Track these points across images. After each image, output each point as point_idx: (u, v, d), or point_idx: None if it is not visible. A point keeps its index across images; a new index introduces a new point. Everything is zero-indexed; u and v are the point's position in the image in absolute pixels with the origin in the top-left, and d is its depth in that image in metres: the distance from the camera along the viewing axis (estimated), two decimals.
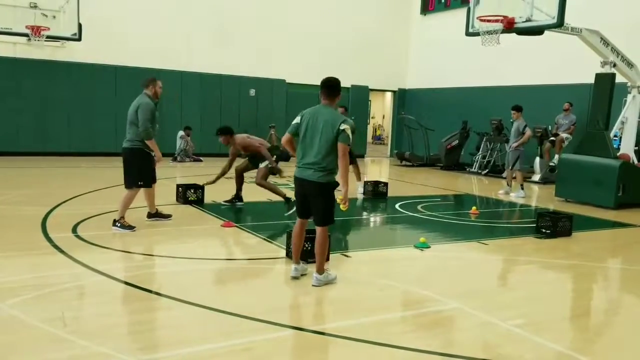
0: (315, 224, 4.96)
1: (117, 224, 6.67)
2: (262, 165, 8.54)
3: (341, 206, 4.89)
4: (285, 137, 5.09)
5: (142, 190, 6.93)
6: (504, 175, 14.11)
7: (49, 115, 14.72)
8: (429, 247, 6.49)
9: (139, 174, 6.76)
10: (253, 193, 9.35)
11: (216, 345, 3.67)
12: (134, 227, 6.70)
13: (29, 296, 4.39)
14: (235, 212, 8.38)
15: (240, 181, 8.85)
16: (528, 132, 11.03)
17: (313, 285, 4.89)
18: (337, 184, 4.92)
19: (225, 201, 8.84)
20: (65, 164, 13.36)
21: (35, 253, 5.69)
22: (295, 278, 5.08)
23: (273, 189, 8.61)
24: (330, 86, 4.88)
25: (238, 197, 8.87)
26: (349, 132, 4.71)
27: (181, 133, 15.45)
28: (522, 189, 11.10)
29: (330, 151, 4.77)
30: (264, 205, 9.08)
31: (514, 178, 11.31)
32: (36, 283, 4.75)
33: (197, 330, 3.94)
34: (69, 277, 4.97)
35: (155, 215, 7.33)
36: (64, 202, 8.34)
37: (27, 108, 14.43)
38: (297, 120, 4.96)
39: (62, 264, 5.30)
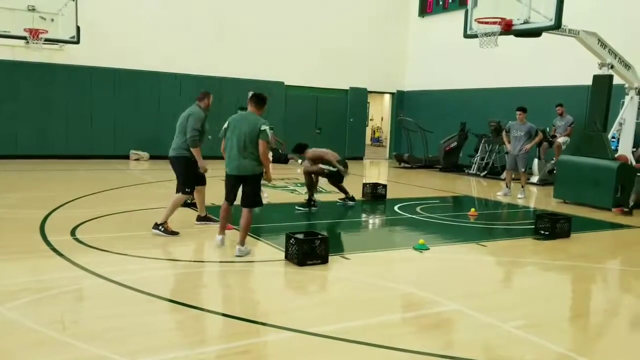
0: (243, 206, 6.00)
1: (160, 227, 6.69)
2: (322, 165, 8.92)
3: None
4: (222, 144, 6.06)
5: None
6: (503, 176, 14.16)
7: (47, 118, 14.71)
8: (428, 249, 6.49)
9: (185, 181, 6.91)
10: None
11: (214, 348, 3.67)
12: (178, 233, 6.73)
13: (28, 299, 4.39)
14: (234, 214, 8.35)
15: (310, 183, 8.96)
16: (540, 134, 11.08)
17: (236, 256, 5.78)
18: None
19: (299, 206, 8.96)
20: (64, 166, 13.35)
21: (34, 256, 5.68)
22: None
23: (310, 185, 8.96)
24: (261, 99, 5.97)
25: (311, 200, 8.94)
26: (268, 131, 5.79)
27: None
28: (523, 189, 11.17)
29: (254, 148, 5.77)
30: (263, 207, 9.06)
31: (515, 179, 11.27)
32: (35, 286, 4.74)
33: (196, 333, 3.94)
34: (68, 280, 4.96)
35: (204, 219, 7.41)
36: (63, 205, 8.33)
37: (26, 111, 14.43)
38: (225, 126, 6.02)
39: (61, 267, 5.30)
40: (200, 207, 7.46)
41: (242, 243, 5.91)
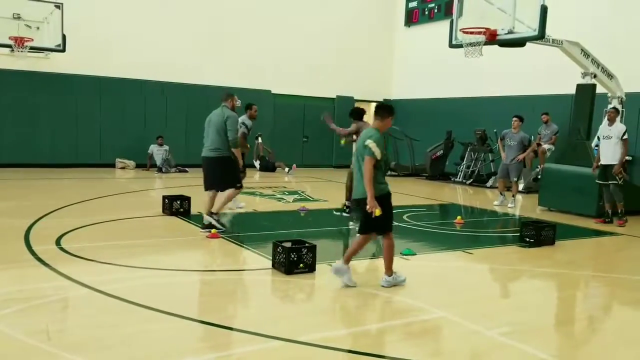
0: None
1: (214, 216, 7.17)
2: None
3: None
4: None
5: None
6: (489, 185, 14.27)
7: (32, 127, 14.59)
8: (415, 254, 6.52)
9: (234, 177, 7.41)
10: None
11: (203, 358, 3.65)
12: (226, 227, 7.29)
13: (12, 309, 4.34)
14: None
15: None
16: (534, 144, 11.14)
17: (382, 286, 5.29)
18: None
19: (338, 210, 9.14)
20: (49, 175, 13.24)
21: (18, 266, 5.62)
22: None
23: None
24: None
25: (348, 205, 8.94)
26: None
27: (156, 146, 15.33)
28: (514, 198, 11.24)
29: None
30: (249, 215, 9.07)
31: (508, 188, 11.31)
32: (20, 296, 4.69)
33: (184, 343, 3.92)
34: (52, 290, 4.92)
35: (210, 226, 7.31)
36: (48, 214, 8.26)
37: (10, 119, 14.31)
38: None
39: (45, 277, 5.25)
40: (211, 206, 7.40)
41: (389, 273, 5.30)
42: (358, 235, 5.33)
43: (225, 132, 7.21)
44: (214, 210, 7.31)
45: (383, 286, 5.26)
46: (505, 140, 11.11)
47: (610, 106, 10.94)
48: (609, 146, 9.23)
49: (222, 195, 7.44)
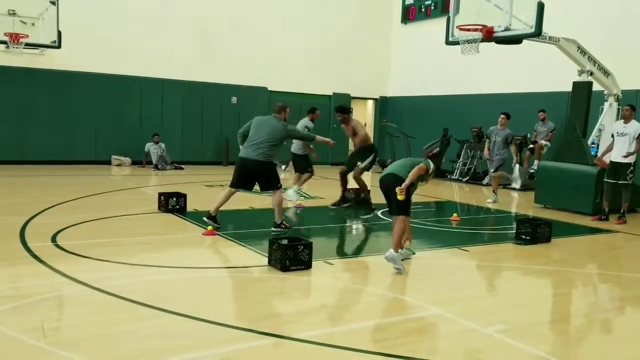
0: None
1: (281, 225, 7.43)
2: (361, 165, 9.24)
3: None
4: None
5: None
6: (485, 182, 14.28)
7: (27, 123, 14.54)
8: (414, 253, 6.52)
9: (278, 179, 7.67)
10: (236, 201, 9.29)
11: (197, 355, 3.64)
12: (292, 227, 7.60)
13: (7, 307, 4.32)
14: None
15: (344, 182, 9.42)
16: (514, 145, 11.30)
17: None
18: None
19: (333, 205, 9.40)
20: (44, 172, 13.19)
21: (13, 263, 5.60)
22: None
23: (364, 189, 9.37)
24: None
25: (344, 199, 9.45)
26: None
27: (152, 144, 15.29)
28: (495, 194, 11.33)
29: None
30: (246, 212, 9.06)
31: (504, 186, 11.38)
32: (15, 294, 4.68)
33: (179, 340, 3.91)
34: (48, 287, 4.90)
35: (214, 218, 7.53)
36: (43, 211, 8.23)
37: (5, 116, 14.25)
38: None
39: (41, 274, 5.23)
40: (219, 206, 7.60)
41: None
42: (396, 217, 5.89)
43: (279, 142, 7.58)
44: (277, 221, 7.53)
45: (386, 257, 5.70)
46: (490, 137, 11.33)
47: (606, 103, 10.99)
48: (624, 144, 9.26)
49: (276, 206, 7.55)
